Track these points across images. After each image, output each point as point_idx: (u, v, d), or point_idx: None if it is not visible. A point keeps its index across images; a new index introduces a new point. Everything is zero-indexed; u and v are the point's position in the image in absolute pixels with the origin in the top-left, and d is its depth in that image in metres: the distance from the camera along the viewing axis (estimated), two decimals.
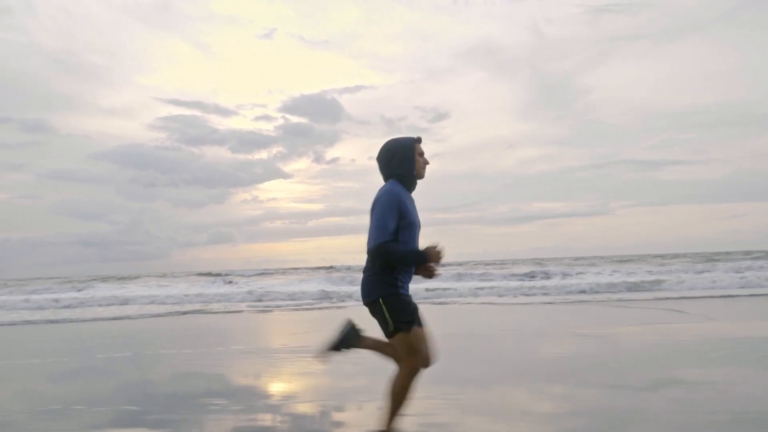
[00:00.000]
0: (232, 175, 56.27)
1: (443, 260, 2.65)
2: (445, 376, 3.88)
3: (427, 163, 2.86)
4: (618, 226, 57.76)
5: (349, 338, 2.89)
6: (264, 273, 30.39)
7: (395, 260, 2.63)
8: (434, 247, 2.63)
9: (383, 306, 2.63)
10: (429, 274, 2.68)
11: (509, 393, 3.59)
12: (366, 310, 2.66)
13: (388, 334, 2.67)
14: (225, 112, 53.58)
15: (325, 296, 14.32)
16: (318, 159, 54.36)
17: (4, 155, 48.13)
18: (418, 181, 2.84)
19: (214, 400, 3.63)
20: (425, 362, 2.70)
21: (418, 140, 2.84)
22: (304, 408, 3.37)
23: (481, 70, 56.30)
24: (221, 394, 3.80)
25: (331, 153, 53.58)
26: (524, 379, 3.96)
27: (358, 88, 50.05)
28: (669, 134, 53.26)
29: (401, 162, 2.78)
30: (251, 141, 52.42)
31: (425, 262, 2.64)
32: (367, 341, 2.89)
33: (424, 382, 3.35)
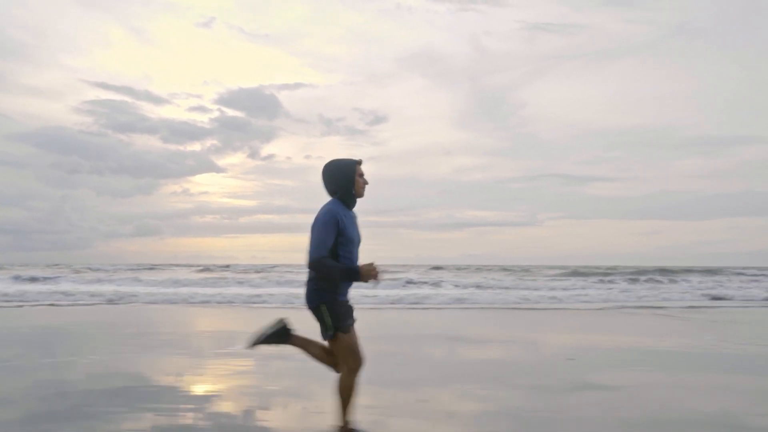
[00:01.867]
0: (162, 166, 54.43)
1: (379, 277, 2.84)
2: (371, 379, 3.90)
3: (366, 183, 3.07)
4: (545, 237, 60.02)
5: (280, 334, 3.02)
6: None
7: (330, 275, 2.81)
8: (370, 265, 2.82)
9: (324, 311, 2.83)
10: (367, 281, 2.84)
11: (436, 395, 3.65)
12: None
13: (327, 337, 2.86)
14: (157, 100, 51.84)
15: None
16: (253, 155, 53.54)
17: None
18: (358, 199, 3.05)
19: (131, 399, 3.49)
20: (362, 360, 2.93)
21: (359, 162, 3.06)
22: (227, 407, 3.29)
23: (421, 76, 57.24)
24: (138, 393, 3.66)
25: (266, 149, 52.85)
26: (451, 381, 4.03)
27: (298, 85, 49.78)
28: (596, 152, 56.05)
29: (341, 183, 2.98)
30: (184, 132, 50.92)
31: (357, 280, 2.84)
32: (296, 340, 3.06)
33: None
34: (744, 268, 32.83)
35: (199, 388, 3.83)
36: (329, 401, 3.49)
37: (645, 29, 48.74)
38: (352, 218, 3.05)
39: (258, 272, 26.39)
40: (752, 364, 4.96)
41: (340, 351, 2.89)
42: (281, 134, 51.50)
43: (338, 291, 2.89)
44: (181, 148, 53.23)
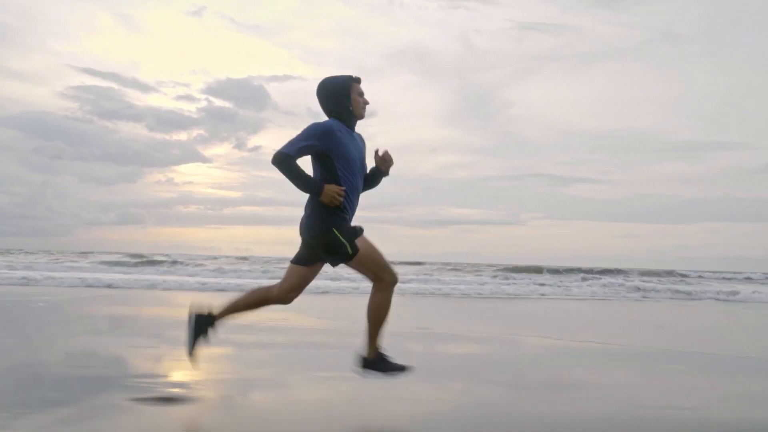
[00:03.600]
0: (147, 155, 53.60)
1: (337, 201, 2.74)
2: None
3: (367, 103, 2.94)
4: (528, 236, 60.36)
5: (202, 325, 2.99)
6: None
7: (289, 175, 2.71)
8: (335, 187, 2.73)
9: (338, 234, 2.72)
10: (327, 201, 2.74)
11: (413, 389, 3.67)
12: None
13: (348, 258, 2.74)
14: (144, 88, 51.03)
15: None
16: (240, 146, 52.89)
17: None
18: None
19: (109, 387, 3.46)
20: (393, 273, 2.86)
21: (357, 80, 2.91)
22: (205, 395, 3.28)
23: (410, 72, 57.00)
24: (114, 380, 3.62)
25: (253, 141, 52.22)
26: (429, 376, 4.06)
27: (287, 77, 49.14)
28: (579, 153, 56.38)
29: (338, 99, 2.85)
30: (170, 121, 50.08)
31: (317, 195, 2.73)
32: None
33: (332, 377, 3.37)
34: (720, 272, 33.37)
35: (177, 375, 3.82)
36: (308, 390, 3.50)
37: (632, 33, 49.00)
38: (354, 138, 2.93)
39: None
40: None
41: (370, 267, 2.79)
42: (269, 126, 50.92)
43: (345, 215, 2.80)
44: (167, 136, 52.47)
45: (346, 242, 2.73)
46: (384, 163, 3.09)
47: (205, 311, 3.03)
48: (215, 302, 3.12)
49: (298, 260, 2.93)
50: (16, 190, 50.86)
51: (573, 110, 56.54)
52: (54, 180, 51.60)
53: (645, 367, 4.69)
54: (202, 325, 3.01)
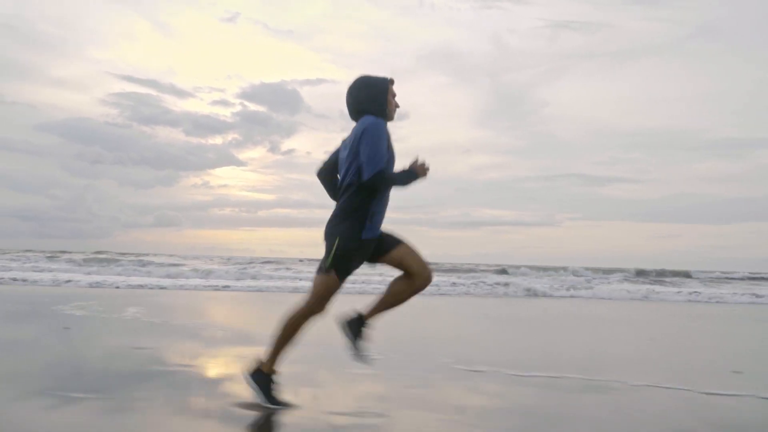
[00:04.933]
0: (183, 159, 54.79)
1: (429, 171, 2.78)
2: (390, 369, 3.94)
3: (398, 106, 2.88)
4: (563, 237, 59.45)
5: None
6: None
7: (394, 184, 2.71)
8: (417, 162, 2.72)
9: (335, 245, 2.68)
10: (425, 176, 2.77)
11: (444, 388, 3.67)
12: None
13: (319, 269, 2.73)
14: (181, 94, 52.19)
15: None
16: (273, 149, 53.64)
17: None
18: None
19: (148, 379, 3.56)
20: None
21: (392, 81, 2.86)
22: (238, 392, 3.34)
23: (441, 74, 56.89)
24: (153, 374, 3.73)
25: (287, 144, 52.93)
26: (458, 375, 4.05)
27: (319, 81, 49.61)
28: (614, 152, 55.27)
29: (374, 99, 2.79)
30: (206, 125, 51.16)
31: (416, 179, 2.73)
32: (271, 358, 2.86)
33: (356, 375, 3.40)
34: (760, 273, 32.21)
35: (212, 372, 3.90)
36: (340, 388, 3.52)
37: (667, 28, 47.92)
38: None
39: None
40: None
41: (316, 287, 2.73)
42: (302, 129, 51.54)
43: (366, 224, 2.70)
44: (203, 141, 53.56)
45: (331, 258, 2.68)
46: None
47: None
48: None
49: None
50: (59, 194, 52.61)
51: (607, 109, 55.58)
52: (94, 184, 53.23)
53: None
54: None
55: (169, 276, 16.32)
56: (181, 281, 14.60)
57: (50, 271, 16.31)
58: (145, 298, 9.74)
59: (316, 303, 2.76)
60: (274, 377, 2.86)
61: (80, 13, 49.22)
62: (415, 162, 2.72)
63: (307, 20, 57.98)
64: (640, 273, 24.43)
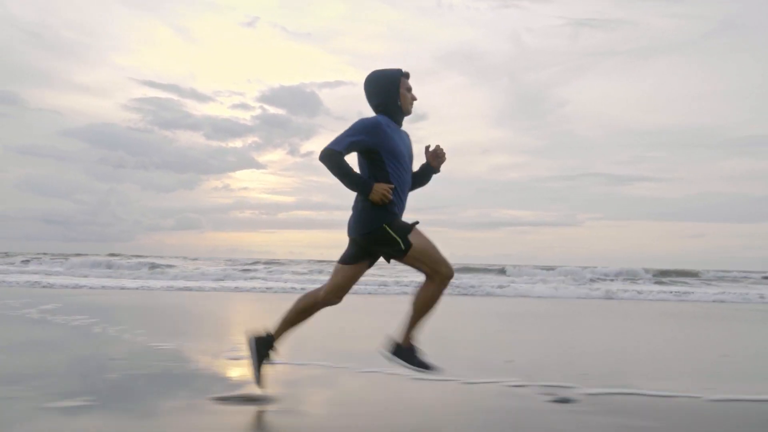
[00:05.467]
0: (204, 162, 55.53)
1: (387, 199, 2.69)
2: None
3: (415, 99, 2.85)
4: (584, 237, 58.81)
5: (262, 347, 2.96)
6: None
7: (337, 173, 2.66)
8: (384, 186, 2.66)
9: (389, 230, 2.67)
10: (376, 199, 2.69)
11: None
12: None
13: (401, 254, 2.70)
14: (202, 98, 52.88)
15: None
16: (293, 152, 54.03)
17: None
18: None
19: (168, 380, 3.62)
20: (338, 301, 2.88)
21: (406, 75, 2.83)
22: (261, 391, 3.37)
23: (460, 74, 56.75)
24: (174, 375, 3.78)
25: (306, 146, 53.23)
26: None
27: (338, 83, 49.88)
28: (638, 151, 54.57)
29: (384, 92, 2.78)
30: (227, 129, 51.83)
31: (366, 194, 2.67)
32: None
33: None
34: None
35: (233, 373, 3.94)
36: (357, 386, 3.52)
37: (691, 25, 47.25)
38: (401, 133, 2.86)
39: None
40: None
41: (425, 261, 2.70)
42: (321, 131, 51.81)
43: (395, 210, 2.74)
44: (223, 144, 54.26)
45: (398, 238, 2.67)
46: (436, 158, 3.01)
47: (263, 333, 2.98)
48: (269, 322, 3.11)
49: (344, 260, 2.90)
50: (84, 198, 53.67)
51: (630, 107, 54.87)
52: (117, 188, 54.19)
53: None
54: (262, 347, 2.96)
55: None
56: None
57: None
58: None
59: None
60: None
61: (103, 20, 50.23)
62: (381, 185, 2.67)
63: (325, 23, 58.39)
64: (662, 273, 24.01)
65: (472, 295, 13.57)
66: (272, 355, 3.00)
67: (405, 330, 2.86)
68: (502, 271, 23.57)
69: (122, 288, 13.04)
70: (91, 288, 12.87)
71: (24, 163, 54.85)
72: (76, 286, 13.23)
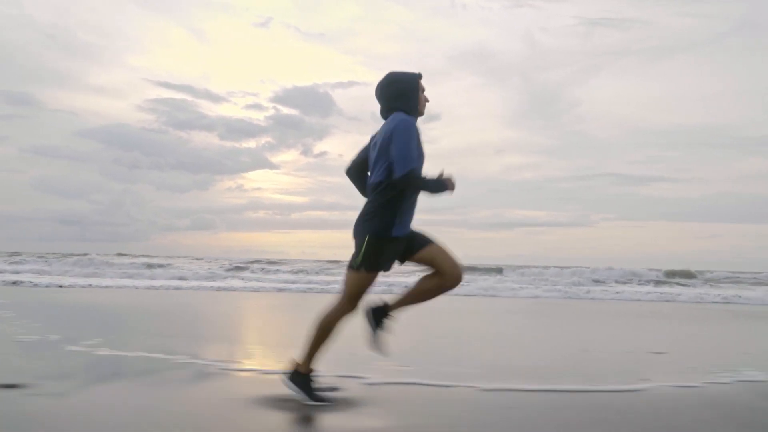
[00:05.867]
0: (218, 162, 55.78)
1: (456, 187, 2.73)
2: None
3: (428, 101, 2.85)
4: (598, 237, 58.33)
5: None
6: None
7: (422, 188, 2.66)
8: (446, 176, 2.70)
9: (366, 242, 2.66)
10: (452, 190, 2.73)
11: None
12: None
13: (350, 265, 2.73)
14: (215, 99, 53.08)
15: None
16: (306, 152, 54.12)
17: None
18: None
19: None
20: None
21: (420, 76, 2.81)
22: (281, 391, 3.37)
23: (473, 74, 56.45)
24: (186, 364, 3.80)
25: (319, 147, 53.33)
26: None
27: (351, 83, 49.83)
28: (653, 151, 53.92)
29: (405, 95, 2.76)
30: (240, 129, 51.99)
31: (444, 191, 2.70)
32: (307, 360, 2.87)
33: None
34: None
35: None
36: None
37: (708, 23, 46.47)
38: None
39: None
40: None
41: (347, 286, 2.73)
42: (334, 132, 51.91)
43: (396, 221, 2.67)
44: (237, 145, 54.46)
45: (362, 256, 2.66)
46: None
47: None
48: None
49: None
50: (99, 199, 54.18)
51: (645, 107, 54.25)
52: (132, 188, 54.63)
53: None
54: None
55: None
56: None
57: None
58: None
59: (348, 302, 2.78)
60: (312, 376, 2.87)
61: (118, 21, 50.71)
62: (445, 176, 2.70)
63: (338, 23, 58.45)
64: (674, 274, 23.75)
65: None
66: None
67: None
68: (498, 271, 23.21)
69: (89, 286, 13.18)
70: (60, 287, 12.91)
71: (40, 163, 55.48)
72: (50, 285, 13.30)
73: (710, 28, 47.31)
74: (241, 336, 6.15)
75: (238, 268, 22.48)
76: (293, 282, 16.24)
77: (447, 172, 2.70)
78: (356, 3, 57.72)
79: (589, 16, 47.49)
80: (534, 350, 5.48)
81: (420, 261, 2.80)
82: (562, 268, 22.67)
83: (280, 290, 13.89)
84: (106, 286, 13.44)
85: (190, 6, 53.53)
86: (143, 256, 32.22)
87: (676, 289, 17.12)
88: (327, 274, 20.89)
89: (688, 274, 24.80)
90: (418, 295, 2.84)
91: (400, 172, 2.57)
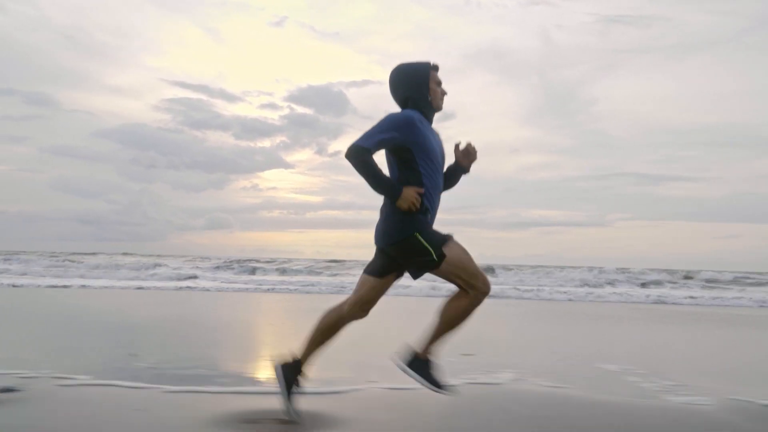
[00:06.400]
0: (233, 162, 56.29)
1: (416, 206, 2.44)
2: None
3: (445, 93, 2.65)
4: (615, 238, 57.76)
5: (290, 374, 2.67)
6: None
7: (364, 172, 2.40)
8: (414, 190, 2.44)
9: (420, 238, 2.42)
10: (404, 206, 2.44)
11: None
12: None
13: (433, 266, 2.44)
14: (231, 98, 53.57)
15: None
16: (320, 151, 54.33)
17: (8, 127, 47.93)
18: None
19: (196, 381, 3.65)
20: (365, 314, 2.61)
21: (435, 67, 2.61)
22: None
23: (488, 72, 56.27)
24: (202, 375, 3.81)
25: (334, 146, 53.51)
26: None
27: (365, 82, 49.96)
28: (671, 150, 53.28)
29: (414, 87, 2.55)
30: (255, 128, 52.44)
31: (394, 198, 2.43)
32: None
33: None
34: None
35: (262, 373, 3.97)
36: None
37: (727, 21, 45.78)
38: (434, 132, 2.61)
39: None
40: None
41: (459, 273, 2.44)
42: (348, 131, 52.06)
43: (428, 215, 2.51)
44: (252, 144, 54.92)
45: (430, 247, 2.41)
46: (467, 156, 2.76)
47: (289, 359, 2.71)
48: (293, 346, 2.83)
49: (370, 271, 2.63)
50: (116, 198, 54.95)
51: (663, 105, 53.62)
52: (149, 188, 55.35)
53: None
54: (289, 374, 2.67)
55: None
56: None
57: None
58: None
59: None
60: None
61: (134, 22, 51.35)
62: (411, 190, 2.44)
63: (353, 22, 58.62)
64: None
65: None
66: (301, 381, 2.71)
67: (426, 341, 2.61)
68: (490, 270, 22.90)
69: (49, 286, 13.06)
70: (23, 286, 12.88)
71: (58, 163, 56.47)
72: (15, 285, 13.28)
73: (729, 25, 46.61)
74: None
75: (218, 268, 22.27)
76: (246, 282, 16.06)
77: (418, 191, 2.45)
78: (371, 2, 57.81)
79: (606, 13, 47.14)
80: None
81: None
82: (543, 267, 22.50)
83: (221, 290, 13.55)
84: (73, 285, 13.34)
85: (205, 6, 54.05)
86: (152, 255, 32.37)
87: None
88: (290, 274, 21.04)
89: (681, 275, 24.40)
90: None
91: (349, 146, 2.40)
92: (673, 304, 12.74)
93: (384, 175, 2.46)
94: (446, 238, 2.50)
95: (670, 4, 48.86)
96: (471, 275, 2.48)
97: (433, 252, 2.41)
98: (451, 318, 2.54)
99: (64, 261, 23.13)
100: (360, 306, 2.60)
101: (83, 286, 13.14)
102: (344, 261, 28.97)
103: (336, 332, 2.66)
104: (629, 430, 2.78)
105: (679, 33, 47.43)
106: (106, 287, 13.00)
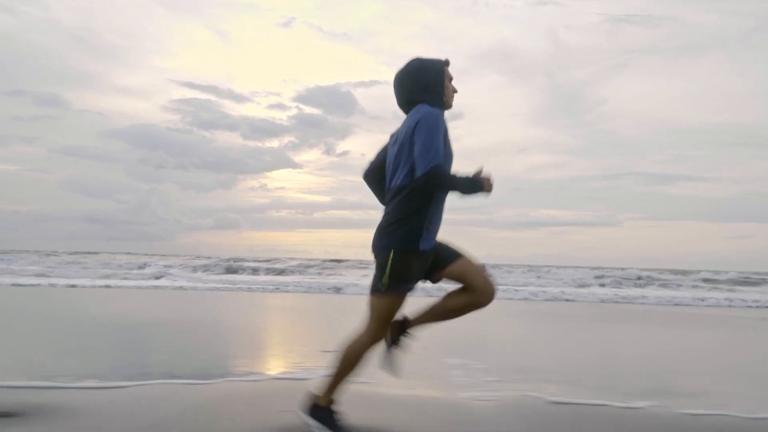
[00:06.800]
0: (242, 162, 56.44)
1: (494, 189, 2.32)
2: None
3: (456, 91, 2.51)
4: (624, 237, 57.46)
5: (323, 416, 2.48)
6: None
7: (450, 187, 2.24)
8: (483, 174, 2.30)
9: (390, 260, 2.28)
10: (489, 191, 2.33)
11: None
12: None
13: (375, 288, 2.35)
14: (239, 98, 53.71)
15: None
16: (328, 151, 54.43)
17: (18, 128, 48.24)
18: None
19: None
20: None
21: (447, 63, 2.47)
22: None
23: (496, 73, 56.11)
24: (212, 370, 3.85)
25: (342, 146, 53.64)
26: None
27: (373, 82, 49.94)
28: (680, 150, 52.95)
29: (430, 85, 2.40)
30: (263, 129, 52.57)
31: (479, 192, 2.29)
32: (329, 390, 2.49)
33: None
34: None
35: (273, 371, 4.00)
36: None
37: (737, 20, 45.36)
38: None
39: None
40: None
41: (374, 311, 2.36)
42: (356, 131, 52.12)
43: (423, 233, 2.29)
44: (260, 144, 55.07)
45: (387, 274, 2.29)
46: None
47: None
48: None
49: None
50: (125, 198, 55.28)
51: (672, 105, 53.27)
52: (158, 188, 55.65)
53: None
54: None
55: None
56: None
57: None
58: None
59: (377, 328, 2.42)
60: (334, 407, 2.52)
61: (143, 23, 51.65)
62: (479, 172, 2.30)
63: (361, 23, 58.65)
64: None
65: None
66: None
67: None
68: None
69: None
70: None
71: (68, 163, 56.78)
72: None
73: (738, 25, 46.20)
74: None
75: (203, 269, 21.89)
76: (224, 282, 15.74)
77: (485, 171, 2.31)
78: (379, 2, 57.83)
79: (614, 13, 46.81)
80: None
81: (448, 277, 2.45)
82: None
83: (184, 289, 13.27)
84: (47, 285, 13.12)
85: (214, 7, 54.27)
86: (155, 255, 32.38)
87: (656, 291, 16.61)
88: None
89: (684, 275, 24.24)
90: (443, 313, 2.49)
91: (422, 168, 2.18)
92: (677, 305, 12.66)
93: (464, 180, 2.27)
94: (410, 287, 2.36)
95: (678, 3, 48.55)
96: (375, 326, 2.40)
97: (388, 278, 2.29)
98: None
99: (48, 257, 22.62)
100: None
101: (51, 285, 13.05)
102: (345, 260, 28.92)
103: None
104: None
105: (688, 33, 47.14)
106: (73, 285, 12.95)
